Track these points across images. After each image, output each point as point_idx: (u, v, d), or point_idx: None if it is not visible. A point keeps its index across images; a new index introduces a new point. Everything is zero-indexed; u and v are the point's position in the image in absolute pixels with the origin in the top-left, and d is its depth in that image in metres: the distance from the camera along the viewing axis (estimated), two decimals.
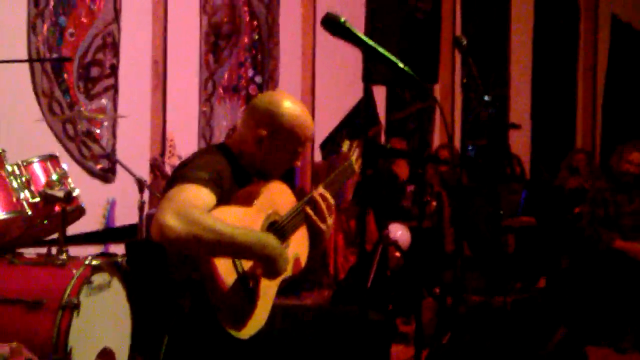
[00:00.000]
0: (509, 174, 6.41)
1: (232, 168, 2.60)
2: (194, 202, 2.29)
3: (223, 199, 2.45)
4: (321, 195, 2.64)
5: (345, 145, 2.95)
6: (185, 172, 2.43)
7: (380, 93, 7.23)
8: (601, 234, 5.58)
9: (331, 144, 6.78)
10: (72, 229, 4.59)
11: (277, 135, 2.63)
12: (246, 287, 2.45)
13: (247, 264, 2.47)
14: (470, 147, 7.25)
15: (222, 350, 2.47)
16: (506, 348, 3.75)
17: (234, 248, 2.32)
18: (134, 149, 5.39)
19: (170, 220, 2.20)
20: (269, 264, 2.40)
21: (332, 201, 2.65)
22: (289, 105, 2.66)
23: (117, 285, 3.37)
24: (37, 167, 3.42)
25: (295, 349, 2.55)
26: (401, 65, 2.25)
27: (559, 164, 7.29)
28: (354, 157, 2.91)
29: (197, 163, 2.49)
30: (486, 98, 4.75)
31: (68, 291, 3.11)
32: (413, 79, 2.41)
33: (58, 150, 4.79)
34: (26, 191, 3.30)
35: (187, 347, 2.50)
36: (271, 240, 2.43)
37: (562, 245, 6.11)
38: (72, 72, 5.16)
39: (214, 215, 2.32)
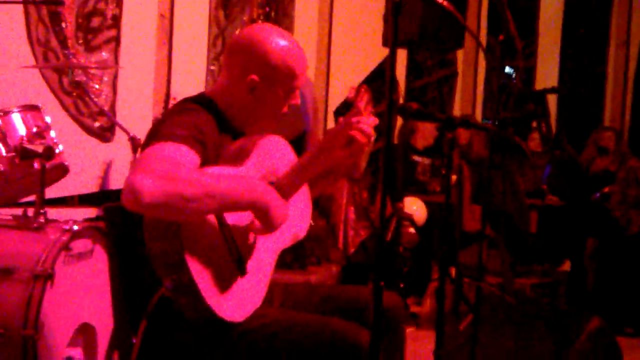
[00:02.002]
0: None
1: (218, 124, 2.24)
2: (172, 160, 1.93)
3: (209, 160, 2.09)
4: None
5: (352, 91, 2.57)
6: (160, 130, 2.05)
7: (399, 58, 6.86)
8: (631, 217, 5.26)
9: (346, 110, 6.44)
10: (65, 190, 4.30)
11: (271, 76, 2.27)
12: (237, 260, 2.10)
13: (236, 231, 2.11)
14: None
15: (210, 336, 2.12)
16: (530, 337, 3.44)
17: (221, 199, 1.95)
18: (135, 107, 5.07)
19: (142, 181, 1.83)
20: (263, 211, 2.04)
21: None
22: (276, 39, 2.29)
23: (99, 253, 3.03)
24: (15, 118, 3.06)
25: (296, 334, 2.16)
26: None
27: (585, 140, 6.92)
28: (362, 104, 2.52)
29: (175, 119, 2.11)
30: (508, 70, 4.45)
31: (42, 259, 2.77)
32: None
33: (53, 104, 4.50)
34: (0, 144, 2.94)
35: (167, 332, 2.16)
36: (262, 184, 2.09)
37: (589, 227, 5.78)
38: (71, 22, 4.80)
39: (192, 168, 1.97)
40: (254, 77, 2.25)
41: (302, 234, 2.40)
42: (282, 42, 2.28)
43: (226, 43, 5.80)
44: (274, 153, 2.32)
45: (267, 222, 2.06)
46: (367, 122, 2.34)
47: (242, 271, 2.11)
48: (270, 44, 2.26)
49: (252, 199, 2.01)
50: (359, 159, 2.54)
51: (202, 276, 1.97)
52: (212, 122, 2.19)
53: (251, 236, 2.19)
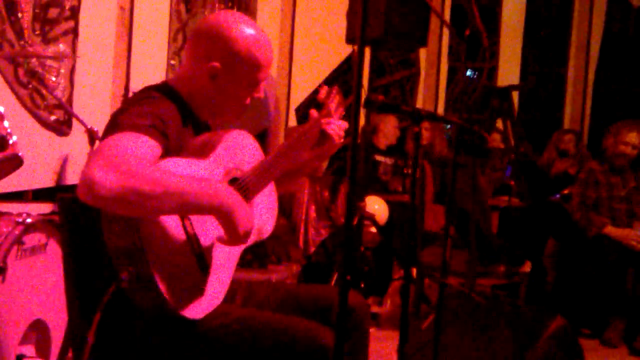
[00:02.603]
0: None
1: (181, 113, 2.14)
2: (132, 152, 1.84)
3: (171, 151, 1.99)
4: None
5: (323, 91, 2.51)
6: (121, 120, 1.95)
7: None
8: (592, 219, 5.26)
9: (306, 109, 6.40)
10: (19, 185, 4.18)
11: (234, 65, 2.18)
12: (198, 255, 2.02)
13: (198, 226, 2.03)
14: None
15: (168, 333, 2.04)
16: (493, 337, 3.41)
17: (181, 200, 1.84)
18: (93, 101, 4.95)
19: (100, 174, 1.74)
20: (225, 218, 1.94)
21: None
22: (242, 26, 2.20)
23: (54, 248, 2.93)
24: None
25: (259, 333, 2.08)
26: None
27: (545, 141, 6.95)
28: (332, 105, 2.48)
29: (136, 109, 2.01)
30: (469, 73, 4.43)
31: None
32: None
33: (7, 96, 4.37)
34: None
35: (123, 329, 2.07)
36: (226, 188, 1.98)
37: (549, 228, 5.79)
38: (28, 12, 4.67)
39: (156, 165, 1.88)
40: (216, 64, 2.17)
41: (266, 233, 2.32)
42: (249, 31, 2.20)
43: (189, 32, 5.71)
44: (240, 148, 2.24)
45: (231, 229, 1.96)
46: (337, 124, 2.31)
47: (203, 267, 2.04)
48: (236, 31, 2.18)
49: (217, 203, 1.92)
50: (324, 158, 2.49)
51: (160, 270, 1.89)
52: (174, 111, 2.11)
53: (214, 232, 2.10)
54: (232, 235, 1.97)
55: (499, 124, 6.48)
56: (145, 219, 1.87)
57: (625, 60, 8.34)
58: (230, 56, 2.17)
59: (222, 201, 1.92)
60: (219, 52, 2.17)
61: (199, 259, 2.02)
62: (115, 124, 1.94)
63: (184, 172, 1.93)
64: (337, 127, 2.35)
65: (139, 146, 1.87)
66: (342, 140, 2.39)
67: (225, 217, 1.94)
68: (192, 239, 2.00)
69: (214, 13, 2.40)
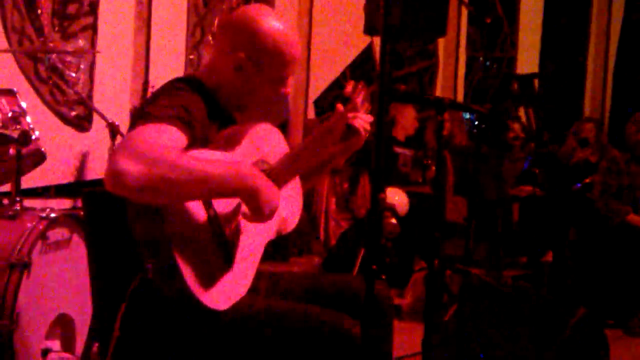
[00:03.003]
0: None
1: (207, 106, 2.13)
2: (155, 142, 1.84)
3: (197, 143, 1.99)
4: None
5: (349, 86, 2.51)
6: (147, 112, 1.96)
7: (379, 46, 6.81)
8: (613, 207, 5.23)
9: (325, 101, 6.39)
10: (40, 180, 4.21)
11: (259, 56, 2.17)
12: (223, 247, 2.02)
13: (223, 217, 2.03)
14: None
15: (193, 323, 2.04)
16: (517, 328, 3.40)
17: (209, 185, 1.85)
18: (112, 96, 4.97)
19: (126, 163, 1.74)
20: (251, 198, 1.94)
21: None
22: (270, 20, 2.20)
23: (77, 243, 2.94)
24: None
25: (284, 323, 2.07)
26: None
27: (565, 130, 6.91)
28: (359, 100, 2.48)
29: (163, 100, 2.02)
30: (488, 64, 4.42)
31: (18, 247, 2.68)
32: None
33: (28, 92, 4.39)
34: None
35: (148, 320, 2.07)
36: (251, 169, 1.98)
37: (570, 217, 5.75)
38: (47, 8, 4.70)
39: (181, 153, 1.88)
40: (241, 54, 2.17)
41: (291, 226, 2.32)
42: (277, 25, 2.19)
43: (207, 26, 5.71)
44: (266, 141, 2.24)
45: (257, 209, 1.95)
46: (363, 117, 2.31)
47: (227, 258, 2.04)
48: (264, 24, 2.18)
49: (241, 185, 1.91)
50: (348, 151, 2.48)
51: (186, 260, 1.89)
52: (200, 103, 2.10)
53: (239, 224, 2.10)
54: (258, 213, 1.96)
55: (521, 112, 6.46)
56: (171, 211, 1.88)
57: None
58: (256, 48, 2.17)
59: (247, 182, 1.92)
60: (245, 44, 2.17)
61: (224, 250, 2.03)
62: (142, 115, 1.95)
63: None
64: (363, 120, 2.35)
65: (166, 136, 1.88)
66: (368, 133, 2.38)
67: (250, 197, 1.93)
68: (216, 229, 2.00)
69: (244, 6, 2.39)
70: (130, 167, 1.74)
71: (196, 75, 2.25)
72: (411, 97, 2.40)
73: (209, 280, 1.97)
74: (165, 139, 1.87)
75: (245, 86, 2.21)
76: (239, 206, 2.05)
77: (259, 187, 1.93)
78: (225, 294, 2.03)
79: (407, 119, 6.02)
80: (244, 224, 2.07)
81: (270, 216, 1.99)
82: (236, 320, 2.05)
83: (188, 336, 2.07)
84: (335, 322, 2.05)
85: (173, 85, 2.13)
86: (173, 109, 1.96)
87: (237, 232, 2.08)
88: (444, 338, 3.41)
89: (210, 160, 1.91)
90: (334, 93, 6.42)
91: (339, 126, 2.32)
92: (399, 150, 5.99)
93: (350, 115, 2.32)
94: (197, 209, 1.95)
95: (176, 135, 1.91)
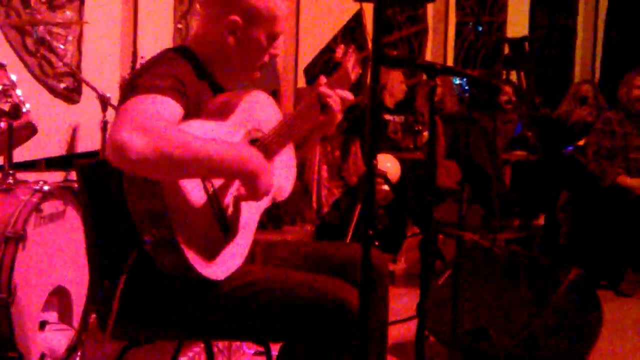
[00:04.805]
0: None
1: (198, 75, 2.13)
2: (158, 114, 1.83)
3: (190, 112, 1.98)
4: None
5: (340, 50, 2.51)
6: (141, 82, 1.93)
7: (369, 13, 6.78)
8: (605, 169, 5.24)
9: (315, 68, 6.36)
10: (31, 154, 4.19)
11: (253, 17, 2.17)
12: (220, 217, 2.02)
13: (219, 187, 2.04)
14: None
15: (191, 294, 2.05)
16: (511, 290, 3.42)
17: (210, 165, 1.86)
18: (101, 67, 4.93)
19: (130, 136, 1.72)
20: (249, 180, 1.96)
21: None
22: None
23: (72, 215, 2.94)
24: None
25: (282, 291, 2.07)
26: None
27: (554, 95, 6.92)
28: (349, 64, 2.48)
29: (155, 70, 2.00)
30: (480, 29, 4.40)
31: (13, 220, 2.67)
32: None
33: (16, 65, 4.36)
34: None
35: (146, 291, 2.08)
36: (252, 151, 1.98)
37: (562, 180, 5.77)
38: None
39: (182, 129, 1.87)
40: (235, 17, 2.16)
41: (285, 194, 2.33)
42: None
43: None
44: (259, 109, 2.23)
45: (253, 191, 1.98)
46: (338, 94, 2.33)
47: (224, 228, 2.04)
48: None
49: (241, 168, 1.93)
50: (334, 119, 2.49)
51: (183, 232, 1.89)
52: (190, 71, 2.10)
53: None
54: (253, 195, 1.99)
55: (512, 76, 6.45)
56: (169, 184, 1.87)
57: (635, 11, 8.24)
58: (249, 8, 2.16)
59: (247, 165, 1.93)
60: (237, 6, 2.16)
61: (221, 220, 2.03)
62: (135, 86, 1.92)
63: (208, 135, 1.92)
64: (337, 97, 2.37)
65: (164, 108, 1.87)
66: (339, 109, 2.40)
67: (249, 179, 1.95)
68: (213, 200, 2.00)
69: None
70: (135, 140, 1.73)
71: (187, 46, 2.23)
72: (404, 62, 2.39)
73: (207, 251, 1.98)
74: (165, 111, 1.86)
75: (238, 48, 2.19)
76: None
77: (258, 171, 1.95)
78: (223, 264, 2.03)
79: (394, 85, 6.00)
80: (239, 192, 2.08)
81: (264, 197, 2.02)
82: (234, 290, 2.05)
83: (188, 307, 2.07)
84: (331, 289, 2.05)
85: (165, 56, 2.11)
86: (167, 79, 1.95)
87: (234, 202, 2.08)
88: (439, 302, 3.43)
89: (212, 140, 1.89)
90: (325, 58, 6.40)
91: (315, 102, 2.35)
92: (388, 117, 5.98)
93: (326, 93, 2.34)
94: (194, 182, 1.95)
95: (174, 107, 1.90)
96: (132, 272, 2.05)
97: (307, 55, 6.39)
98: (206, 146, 1.84)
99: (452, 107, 6.41)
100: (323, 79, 2.42)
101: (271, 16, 2.19)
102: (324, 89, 2.36)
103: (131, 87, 1.95)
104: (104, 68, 4.94)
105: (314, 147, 2.61)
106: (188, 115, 1.96)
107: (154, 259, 1.94)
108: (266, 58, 2.27)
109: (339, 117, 2.40)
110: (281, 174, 2.27)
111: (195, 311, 2.07)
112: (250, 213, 2.16)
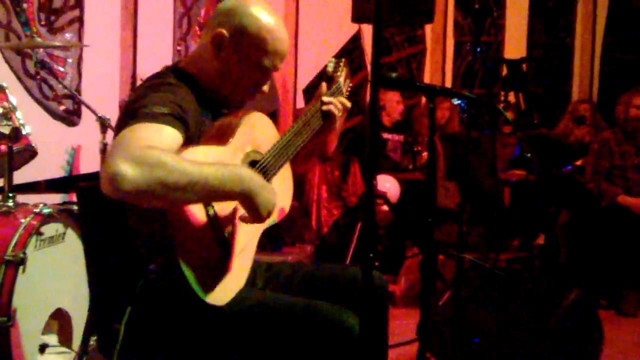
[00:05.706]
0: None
1: (197, 97, 2.12)
2: (152, 143, 1.80)
3: (191, 137, 1.98)
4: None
5: (331, 65, 2.52)
6: (137, 109, 1.91)
7: (367, 34, 6.81)
8: (604, 188, 5.25)
9: (314, 89, 6.37)
10: (30, 176, 4.19)
11: (240, 38, 2.15)
12: (221, 240, 2.01)
13: (221, 213, 2.03)
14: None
15: (194, 319, 2.04)
16: (512, 310, 3.41)
17: (207, 188, 1.82)
18: (101, 90, 4.94)
19: (124, 166, 1.70)
20: (249, 201, 1.94)
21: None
22: (262, 11, 2.18)
23: (72, 238, 2.93)
24: None
25: (282, 316, 2.07)
26: None
27: (552, 115, 6.94)
28: (341, 78, 2.49)
29: (152, 96, 1.97)
30: (478, 49, 4.42)
31: (13, 243, 2.68)
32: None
33: (17, 87, 4.37)
34: None
35: (149, 317, 2.07)
36: (249, 172, 1.96)
37: (561, 200, 5.77)
38: (33, 2, 4.66)
39: (179, 155, 1.85)
40: (224, 31, 2.14)
41: (283, 213, 2.32)
42: (266, 17, 2.18)
43: (193, 16, 5.69)
44: (258, 130, 2.23)
45: (255, 212, 1.96)
46: (338, 104, 2.36)
47: (225, 252, 2.03)
48: (252, 10, 2.17)
49: (239, 189, 1.90)
50: (333, 136, 2.50)
51: (186, 257, 1.88)
52: (190, 96, 2.09)
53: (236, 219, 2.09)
54: (255, 216, 1.97)
55: (510, 97, 6.46)
56: (172, 211, 1.86)
57: (633, 30, 8.26)
58: (239, 29, 2.15)
59: (245, 186, 1.91)
60: (228, 22, 2.15)
61: (222, 243, 2.02)
62: (134, 113, 1.90)
63: (208, 160, 1.91)
64: (336, 103, 2.39)
65: (161, 137, 1.85)
66: (341, 113, 2.43)
67: (249, 201, 1.93)
68: (214, 223, 1.99)
69: None
70: (129, 170, 1.70)
71: (179, 65, 2.22)
72: (403, 84, 2.38)
73: (210, 277, 1.97)
74: (163, 140, 1.84)
75: (224, 67, 2.18)
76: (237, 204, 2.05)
77: (256, 190, 1.93)
78: (224, 288, 2.02)
79: (391, 104, 6.02)
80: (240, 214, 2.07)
81: (267, 218, 2.00)
82: (235, 315, 2.04)
83: (191, 333, 2.06)
84: (332, 315, 2.04)
85: (161, 80, 2.10)
86: (166, 106, 1.93)
87: (235, 226, 2.07)
88: (440, 323, 3.42)
89: (208, 164, 1.88)
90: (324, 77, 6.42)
91: (317, 110, 2.37)
92: (386, 136, 6.00)
93: (325, 100, 2.36)
94: (196, 209, 1.94)
95: (173, 135, 1.89)
96: (138, 301, 2.04)
97: (306, 76, 6.41)
98: (202, 169, 1.82)
99: (455, 127, 6.42)
100: (324, 87, 2.45)
101: (259, 45, 2.17)
102: (325, 98, 2.39)
103: (130, 112, 1.93)
104: (103, 90, 4.95)
105: (314, 161, 2.63)
106: (189, 139, 1.96)
107: (159, 286, 1.93)
108: (254, 87, 2.24)
109: (341, 121, 2.42)
110: (279, 193, 2.27)
111: (197, 337, 2.06)
112: (250, 234, 2.16)
